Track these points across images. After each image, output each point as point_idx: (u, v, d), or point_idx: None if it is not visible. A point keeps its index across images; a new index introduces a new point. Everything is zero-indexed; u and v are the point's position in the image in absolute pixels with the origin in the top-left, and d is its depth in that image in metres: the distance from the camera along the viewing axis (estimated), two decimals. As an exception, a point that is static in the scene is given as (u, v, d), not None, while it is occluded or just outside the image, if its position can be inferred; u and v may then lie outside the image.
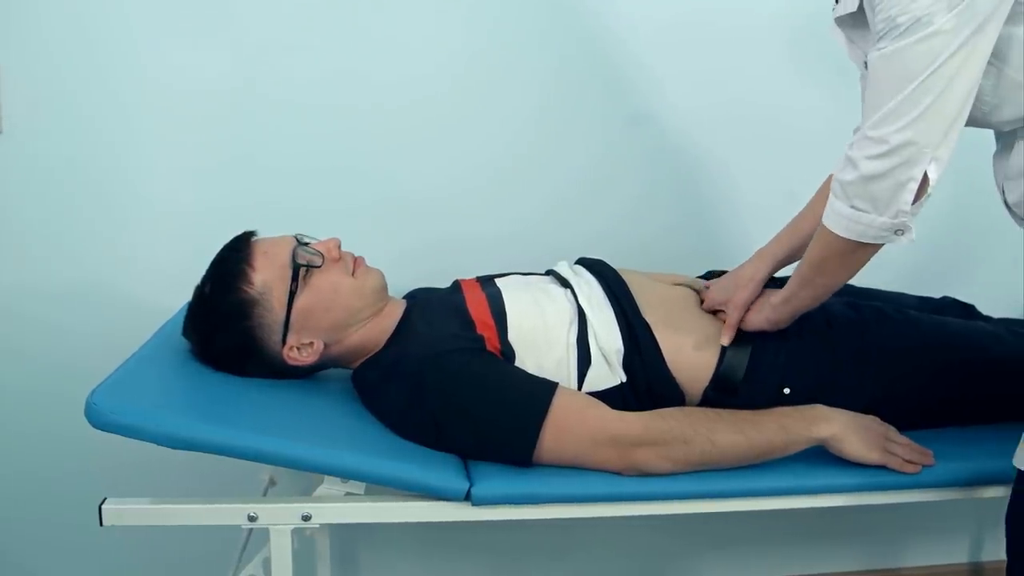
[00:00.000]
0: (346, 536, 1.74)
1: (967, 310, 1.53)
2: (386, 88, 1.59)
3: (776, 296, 1.24)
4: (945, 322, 1.37)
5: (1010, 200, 1.12)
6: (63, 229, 1.55)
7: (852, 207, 1.02)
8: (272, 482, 1.43)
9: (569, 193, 1.68)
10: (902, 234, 1.02)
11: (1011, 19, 0.96)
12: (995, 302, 1.58)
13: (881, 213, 1.01)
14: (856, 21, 1.11)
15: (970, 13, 0.92)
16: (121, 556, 1.61)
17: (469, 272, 1.45)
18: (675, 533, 1.80)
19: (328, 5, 1.55)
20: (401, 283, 1.46)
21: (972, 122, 1.06)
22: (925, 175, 0.98)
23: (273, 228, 1.31)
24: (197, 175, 1.57)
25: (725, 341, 1.27)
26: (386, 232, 1.61)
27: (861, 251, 1.07)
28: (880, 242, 1.05)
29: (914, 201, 0.99)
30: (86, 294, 1.57)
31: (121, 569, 1.66)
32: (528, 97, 1.64)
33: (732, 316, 1.28)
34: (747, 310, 1.28)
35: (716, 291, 1.34)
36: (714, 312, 1.34)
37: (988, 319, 1.52)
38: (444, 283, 1.44)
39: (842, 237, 1.06)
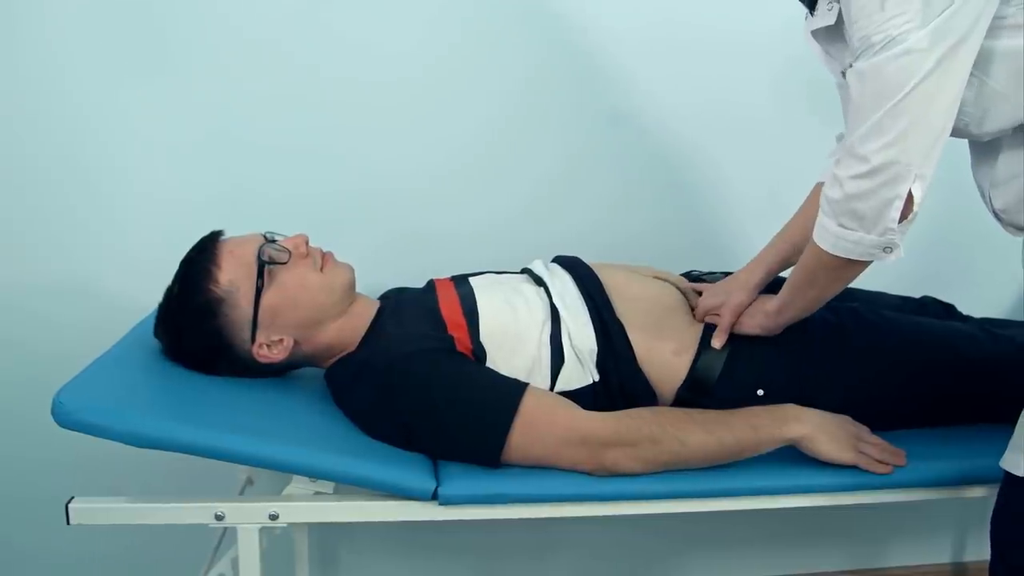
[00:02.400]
0: (326, 536, 1.74)
1: (947, 310, 1.52)
2: (364, 83, 1.58)
3: (771, 304, 1.25)
4: (920, 323, 1.37)
5: (997, 206, 1.11)
6: (52, 224, 1.56)
7: (840, 225, 1.03)
8: (250, 481, 1.43)
9: (548, 190, 1.67)
10: (890, 252, 1.02)
11: (991, 33, 0.96)
12: (977, 302, 1.58)
13: (868, 231, 1.01)
14: (832, 35, 1.10)
15: (945, 30, 0.91)
16: (98, 553, 1.61)
17: (446, 269, 1.44)
18: (658, 533, 1.80)
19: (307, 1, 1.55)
20: (377, 280, 1.46)
21: (953, 133, 1.05)
22: (910, 193, 0.97)
23: (258, 226, 1.31)
24: (186, 172, 1.57)
25: (717, 344, 1.27)
26: (363, 229, 1.61)
27: (851, 267, 1.07)
28: (868, 259, 1.04)
29: (901, 219, 0.99)
30: (72, 289, 1.57)
31: (96, 566, 1.66)
32: (506, 92, 1.63)
33: (725, 319, 1.28)
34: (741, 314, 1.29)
35: (709, 296, 1.34)
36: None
37: (968, 319, 1.52)
38: (420, 279, 1.44)
39: (829, 254, 1.06)
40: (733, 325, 1.28)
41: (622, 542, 1.79)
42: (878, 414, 1.25)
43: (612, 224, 1.70)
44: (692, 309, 1.36)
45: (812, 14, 1.12)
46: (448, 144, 1.63)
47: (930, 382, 1.30)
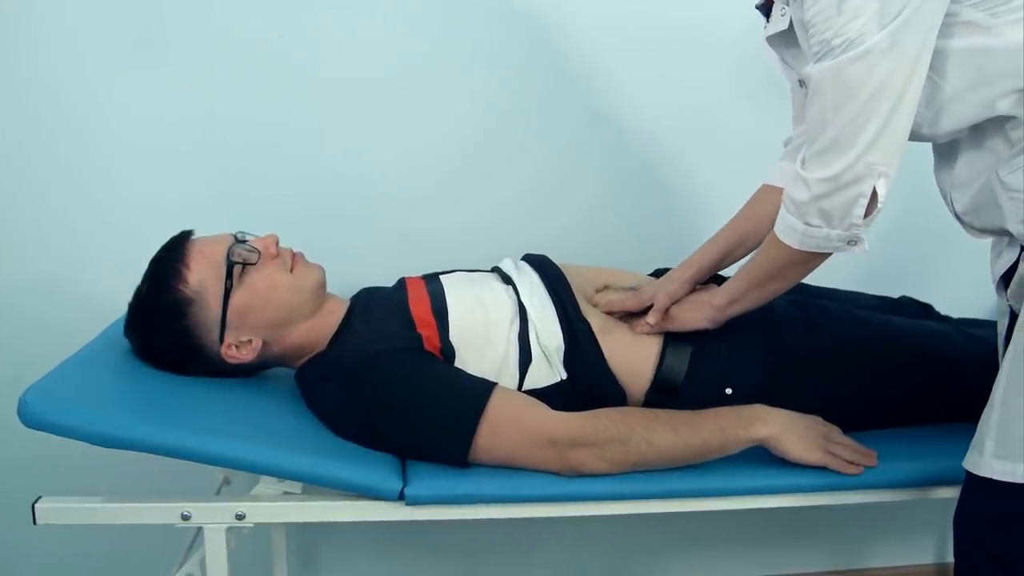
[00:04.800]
0: (306, 536, 1.74)
1: (925, 309, 1.52)
2: (345, 84, 1.58)
3: (718, 297, 1.25)
4: (892, 321, 1.37)
5: (958, 209, 1.12)
6: (36, 223, 1.56)
7: (806, 223, 1.04)
8: (227, 481, 1.42)
9: (528, 191, 1.67)
10: (855, 244, 1.04)
11: (941, 32, 0.96)
12: (961, 302, 1.58)
13: (834, 227, 1.03)
14: (787, 40, 1.11)
15: (904, 30, 0.92)
16: (76, 552, 1.62)
17: (427, 271, 1.44)
18: (638, 532, 1.79)
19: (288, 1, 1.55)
20: (358, 281, 1.46)
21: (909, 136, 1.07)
22: (874, 190, 0.99)
23: (240, 225, 1.31)
24: (168, 171, 1.57)
25: (651, 319, 1.28)
26: (344, 230, 1.61)
27: (815, 259, 1.10)
28: (834, 252, 1.06)
29: (866, 215, 1.01)
30: (55, 288, 1.57)
31: (75, 565, 1.66)
32: (486, 95, 1.63)
33: (659, 301, 1.29)
34: (674, 304, 1.29)
35: (645, 289, 1.35)
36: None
37: (946, 319, 1.51)
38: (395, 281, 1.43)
39: (795, 250, 1.07)
40: (673, 318, 1.28)
41: (602, 541, 1.79)
42: (850, 413, 1.25)
43: (593, 224, 1.70)
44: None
45: (768, 20, 1.12)
46: (428, 146, 1.63)
47: (902, 381, 1.30)
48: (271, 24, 1.54)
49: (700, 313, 1.26)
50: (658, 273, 1.44)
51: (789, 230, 1.07)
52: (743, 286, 1.21)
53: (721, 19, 1.61)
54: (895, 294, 1.58)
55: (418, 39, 1.59)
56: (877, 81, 0.93)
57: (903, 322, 1.38)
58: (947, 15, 0.95)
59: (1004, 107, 0.98)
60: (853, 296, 1.52)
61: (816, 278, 1.54)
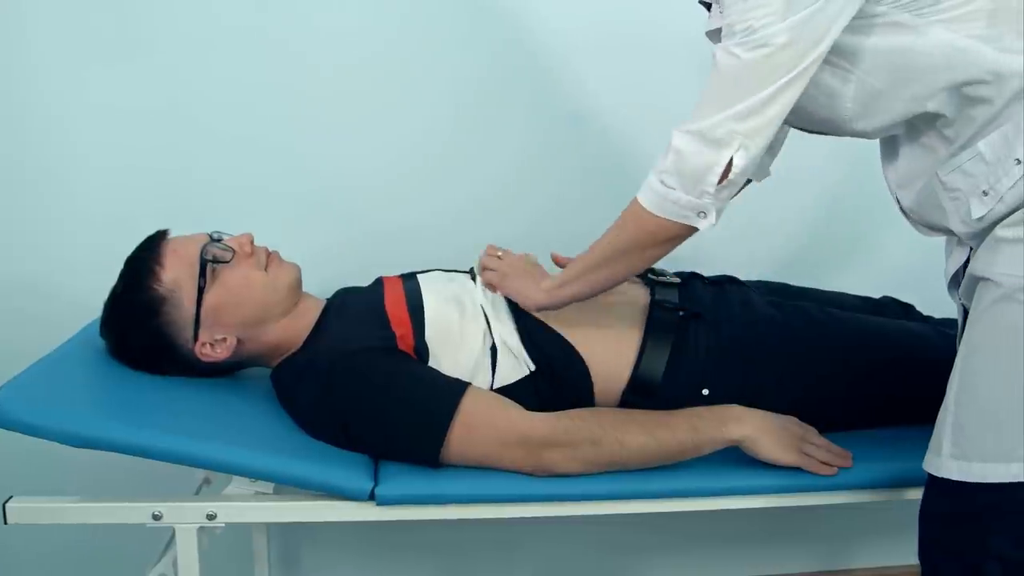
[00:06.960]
0: (288, 535, 1.74)
1: (906, 310, 1.51)
2: (315, 79, 1.59)
3: (549, 280, 1.23)
4: (870, 322, 1.36)
5: (905, 205, 1.13)
6: (21, 222, 1.56)
7: (661, 182, 1.05)
8: (207, 481, 1.42)
9: (503, 187, 1.67)
10: (703, 217, 1.04)
11: (863, 30, 0.98)
12: (942, 302, 1.57)
13: (687, 192, 1.03)
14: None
15: (804, 27, 0.93)
16: (50, 550, 1.62)
17: (402, 267, 1.44)
18: (622, 531, 1.78)
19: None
20: (333, 277, 1.46)
21: (835, 131, 1.08)
22: (732, 161, 1.00)
23: (221, 224, 1.31)
24: (152, 169, 1.58)
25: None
26: (320, 226, 1.62)
27: (664, 242, 1.09)
28: (682, 221, 1.05)
29: (719, 183, 1.01)
30: (37, 287, 1.58)
31: (50, 563, 1.66)
32: (460, 89, 1.63)
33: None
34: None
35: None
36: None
37: (928, 319, 1.50)
38: (371, 278, 1.42)
39: (649, 213, 1.07)
40: (503, 284, 1.27)
41: (583, 539, 1.78)
42: (828, 414, 1.25)
43: (568, 221, 1.66)
44: None
45: (709, 14, 1.12)
46: (401, 143, 1.63)
47: (880, 383, 1.29)
48: (247, 19, 1.54)
49: (529, 298, 1.24)
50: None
51: (647, 190, 1.07)
52: (579, 267, 1.19)
53: (699, 16, 1.61)
54: (877, 294, 1.58)
55: (390, 31, 1.59)
56: (765, 69, 0.95)
57: (882, 323, 1.37)
58: (874, 15, 0.96)
59: (933, 106, 1.00)
60: (834, 296, 1.51)
61: (801, 276, 1.56)
